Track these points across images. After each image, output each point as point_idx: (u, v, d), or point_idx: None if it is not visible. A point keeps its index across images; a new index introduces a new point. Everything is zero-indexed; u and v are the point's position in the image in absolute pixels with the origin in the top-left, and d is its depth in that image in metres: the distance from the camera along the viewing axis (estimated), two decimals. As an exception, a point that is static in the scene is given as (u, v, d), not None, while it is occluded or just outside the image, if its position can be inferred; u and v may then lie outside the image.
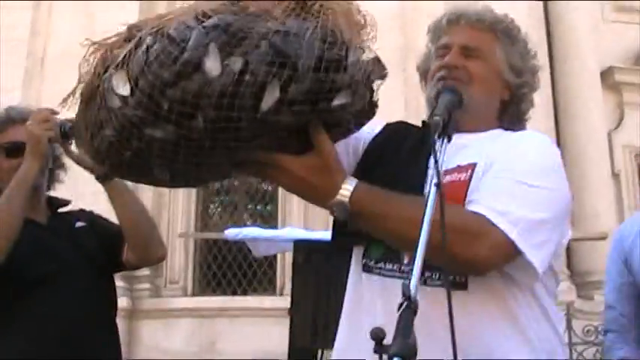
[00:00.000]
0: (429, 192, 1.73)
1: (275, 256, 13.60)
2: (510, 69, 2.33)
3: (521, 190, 1.96)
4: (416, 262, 1.62)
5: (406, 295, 1.55)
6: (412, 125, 2.40)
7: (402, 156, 2.22)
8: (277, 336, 12.92)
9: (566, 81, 14.67)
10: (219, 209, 15.14)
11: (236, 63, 1.68)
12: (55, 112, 2.94)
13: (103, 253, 3.18)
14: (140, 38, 1.75)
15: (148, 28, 1.77)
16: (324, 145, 1.87)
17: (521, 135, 2.23)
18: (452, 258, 1.73)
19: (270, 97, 1.69)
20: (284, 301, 13.29)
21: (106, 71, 1.78)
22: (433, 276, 2.00)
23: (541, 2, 15.21)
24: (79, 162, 3.00)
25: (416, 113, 13.79)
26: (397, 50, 14.10)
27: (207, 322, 13.46)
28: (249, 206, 14.96)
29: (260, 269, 14.06)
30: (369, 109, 2.00)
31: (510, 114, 2.37)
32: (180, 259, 13.77)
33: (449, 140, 1.91)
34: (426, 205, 1.71)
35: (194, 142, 1.71)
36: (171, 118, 1.67)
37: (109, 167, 1.89)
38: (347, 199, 1.87)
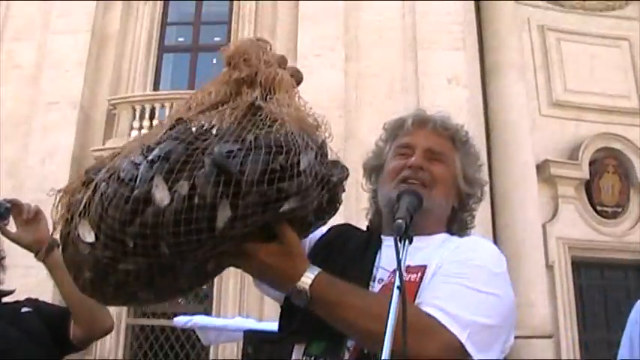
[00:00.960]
0: (392, 294, 1.77)
1: (209, 345, 13.42)
2: (464, 178, 2.41)
3: (471, 295, 1.99)
4: (387, 339, 1.67)
5: None
6: (356, 228, 2.44)
7: (347, 256, 2.24)
8: None
9: (503, 173, 14.96)
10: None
11: (183, 187, 1.74)
12: None
13: (49, 336, 3.12)
14: (96, 185, 1.85)
15: (103, 171, 1.88)
16: (286, 233, 1.91)
17: (469, 240, 2.27)
18: (404, 354, 1.73)
19: (222, 216, 1.74)
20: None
21: (72, 218, 1.88)
22: None
23: (480, 96, 15.57)
24: (16, 240, 3.03)
25: (356, 199, 13.90)
26: (338, 137, 14.26)
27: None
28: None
29: (193, 353, 13.82)
30: (329, 206, 2.05)
31: (459, 222, 2.43)
32: (110, 346, 13.46)
33: (410, 242, 1.94)
34: (389, 306, 1.74)
35: (165, 265, 1.81)
36: (138, 251, 1.75)
37: (98, 299, 2.00)
38: (307, 286, 1.90)
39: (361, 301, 1.93)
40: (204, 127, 1.88)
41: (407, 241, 1.94)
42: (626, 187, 16.24)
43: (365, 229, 2.48)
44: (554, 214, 15.65)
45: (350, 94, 14.71)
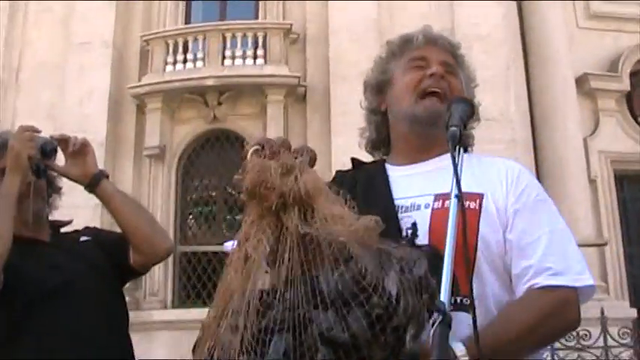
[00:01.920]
0: (451, 203, 1.82)
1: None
2: (467, 88, 2.45)
3: (566, 241, 2.17)
4: (445, 278, 1.70)
5: (441, 310, 1.61)
6: (345, 171, 2.46)
7: (361, 200, 2.19)
8: (258, 347, 12.91)
9: (543, 89, 14.77)
10: (197, 221, 15.07)
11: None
12: (37, 131, 2.98)
13: (109, 264, 3.13)
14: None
15: None
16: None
17: (506, 165, 2.31)
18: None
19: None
20: (264, 312, 13.29)
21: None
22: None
23: (515, 11, 15.31)
24: (64, 174, 3.05)
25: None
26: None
27: (187, 335, 13.25)
28: (228, 217, 14.92)
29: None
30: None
31: (464, 136, 2.42)
32: (159, 271, 13.70)
33: (465, 150, 1.98)
34: (449, 217, 1.81)
35: None
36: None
37: None
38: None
39: (518, 331, 2.03)
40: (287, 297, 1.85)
41: (462, 150, 1.94)
42: (669, 96, 15.94)
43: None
44: (596, 128, 15.45)
45: (383, 17, 14.53)
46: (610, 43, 15.90)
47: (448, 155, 2.25)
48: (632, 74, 15.70)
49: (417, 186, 2.22)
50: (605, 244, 13.77)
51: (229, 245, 2.71)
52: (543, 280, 2.06)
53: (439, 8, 14.31)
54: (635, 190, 15.87)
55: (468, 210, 2.08)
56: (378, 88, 2.47)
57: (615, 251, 14.55)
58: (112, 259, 3.13)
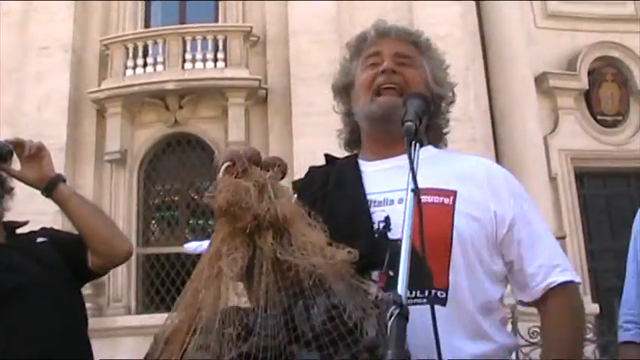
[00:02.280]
0: (406, 198, 1.83)
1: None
2: (434, 80, 2.42)
3: (552, 237, 2.32)
4: (402, 270, 1.71)
5: (397, 304, 1.61)
6: (318, 167, 2.46)
7: (334, 195, 2.26)
8: (224, 352, 12.87)
9: (502, 88, 14.91)
10: (160, 225, 14.99)
11: None
12: None
13: (67, 265, 3.07)
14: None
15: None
16: None
17: (486, 166, 2.36)
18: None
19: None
20: (230, 317, 13.25)
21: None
22: (412, 293, 2.05)
23: (474, 11, 15.43)
24: (20, 178, 3.01)
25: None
26: (334, 62, 14.17)
27: (151, 340, 13.30)
28: (191, 221, 14.86)
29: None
30: None
31: (433, 129, 2.44)
32: (122, 277, 13.60)
33: (421, 145, 1.96)
34: (405, 209, 1.82)
35: None
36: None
37: None
38: None
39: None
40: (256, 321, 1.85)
41: (417, 145, 1.95)
42: (626, 95, 16.21)
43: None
44: (555, 126, 15.64)
45: (343, 17, 14.57)
46: (567, 41, 16.10)
47: (422, 150, 2.29)
48: (590, 72, 15.90)
49: (389, 181, 2.21)
50: (564, 237, 13.91)
51: (190, 247, 2.71)
52: (559, 277, 2.19)
53: (397, 8, 14.36)
54: (595, 186, 16.07)
55: (442, 205, 2.14)
56: (344, 90, 2.48)
57: (577, 248, 14.72)
58: (70, 260, 3.08)
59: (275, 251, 1.89)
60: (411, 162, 1.85)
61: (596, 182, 16.12)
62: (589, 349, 12.32)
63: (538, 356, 11.86)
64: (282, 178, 2.10)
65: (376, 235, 2.13)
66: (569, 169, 15.39)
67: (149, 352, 2.04)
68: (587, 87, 15.87)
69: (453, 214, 2.14)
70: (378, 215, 2.16)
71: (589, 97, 15.98)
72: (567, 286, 2.19)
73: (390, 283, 1.92)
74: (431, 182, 2.15)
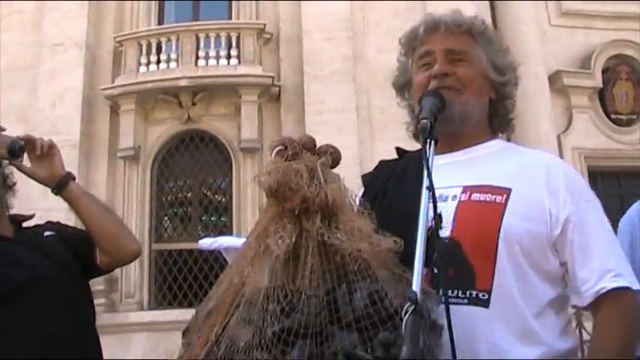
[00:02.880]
0: (422, 195, 1.83)
1: (231, 268, 13.55)
2: (494, 68, 2.35)
3: (610, 240, 2.18)
4: (416, 266, 1.70)
5: (412, 300, 1.60)
6: (388, 161, 2.44)
7: (392, 191, 2.25)
8: (235, 348, 12.89)
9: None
10: (172, 221, 15.03)
11: None
12: (2, 129, 2.94)
13: (75, 260, 3.07)
14: None
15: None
16: None
17: (547, 161, 2.27)
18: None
19: None
20: (241, 313, 13.28)
21: None
22: (453, 292, 2.05)
23: (488, 9, 15.39)
24: (32, 175, 3.01)
25: (368, 120, 13.99)
26: (347, 60, 14.19)
27: (164, 336, 13.32)
28: (204, 217, 14.89)
29: (216, 281, 13.97)
30: None
31: (499, 115, 2.40)
32: (135, 273, 13.64)
33: (436, 143, 1.94)
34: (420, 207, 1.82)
35: None
36: None
37: None
38: None
39: None
40: (301, 299, 1.86)
41: (432, 142, 1.94)
42: (640, 93, 16.10)
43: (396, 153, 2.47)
44: (569, 125, 15.59)
45: (356, 15, 14.57)
46: (581, 40, 16.05)
47: (482, 145, 2.27)
48: (604, 71, 15.83)
49: (447, 177, 2.17)
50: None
51: (205, 243, 2.72)
52: (610, 284, 2.07)
53: (411, 8, 14.34)
54: (608, 185, 15.99)
55: (493, 204, 2.11)
56: (404, 87, 2.46)
57: (590, 246, 14.65)
58: (78, 255, 3.07)
59: (322, 234, 1.91)
60: (426, 160, 1.84)
61: (610, 181, 16.05)
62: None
63: None
64: (335, 166, 2.09)
65: (429, 233, 2.07)
66: (583, 168, 15.29)
67: (189, 325, 2.07)
68: (601, 85, 15.80)
69: (504, 213, 2.10)
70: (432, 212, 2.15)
71: (603, 96, 15.92)
72: (621, 292, 2.07)
73: (435, 281, 1.92)
74: (487, 179, 2.14)
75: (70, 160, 14.24)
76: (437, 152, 2.28)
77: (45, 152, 3.00)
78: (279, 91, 14.68)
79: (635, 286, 2.09)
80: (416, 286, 1.67)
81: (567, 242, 2.12)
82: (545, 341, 2.09)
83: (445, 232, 2.06)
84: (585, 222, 2.14)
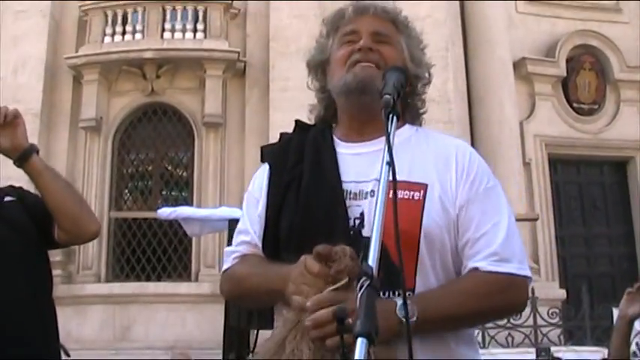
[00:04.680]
0: (381, 170, 1.84)
1: (190, 242, 13.52)
2: (411, 58, 2.38)
3: (508, 229, 2.17)
4: (373, 241, 1.73)
5: (368, 275, 1.62)
6: (289, 135, 2.44)
7: (310, 181, 2.23)
8: (192, 322, 12.89)
9: (481, 71, 14.94)
10: (133, 194, 14.94)
11: None
12: None
13: (34, 227, 3.03)
14: None
15: None
16: None
17: (456, 148, 2.29)
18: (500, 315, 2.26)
19: None
20: (199, 287, 13.27)
21: None
22: (384, 294, 2.05)
23: (457, -6, 15.42)
24: None
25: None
26: (314, 38, 14.14)
27: (121, 309, 13.31)
28: (164, 191, 14.83)
29: (175, 255, 13.96)
30: None
31: (411, 108, 2.41)
32: (93, 245, 13.52)
33: (397, 119, 1.94)
34: (379, 183, 1.84)
35: None
36: None
37: None
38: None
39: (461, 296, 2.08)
40: None
41: (394, 117, 1.93)
42: (603, 84, 16.30)
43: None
44: (531, 112, 15.71)
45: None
46: (548, 28, 16.16)
47: (398, 133, 2.24)
48: (569, 60, 15.97)
49: (363, 169, 2.19)
50: (536, 219, 14.07)
51: (163, 212, 2.71)
52: (488, 266, 2.10)
53: (380, -12, 14.34)
54: (568, 173, 16.20)
55: (412, 201, 2.11)
56: (319, 67, 2.45)
57: (547, 233, 14.84)
58: (37, 225, 3.04)
59: None
60: (388, 135, 1.84)
61: (569, 169, 16.25)
62: (554, 334, 12.49)
63: (556, 337, 12.23)
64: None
65: (351, 233, 2.11)
66: (544, 155, 15.48)
67: None
68: (565, 74, 15.94)
69: (422, 211, 2.12)
70: (353, 210, 2.14)
71: (566, 85, 16.05)
72: (497, 275, 2.10)
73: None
74: (403, 174, 2.11)
75: (31, 129, 13.73)
76: (348, 139, 2.31)
77: (9, 121, 2.94)
78: (245, 66, 14.61)
79: (521, 272, 2.12)
80: (372, 260, 1.69)
81: (464, 224, 2.15)
82: (457, 351, 2.16)
83: (368, 232, 2.02)
84: (485, 206, 2.18)
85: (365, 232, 2.09)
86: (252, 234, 2.31)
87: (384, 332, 1.83)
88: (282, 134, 2.47)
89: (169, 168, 14.87)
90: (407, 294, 1.98)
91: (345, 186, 2.18)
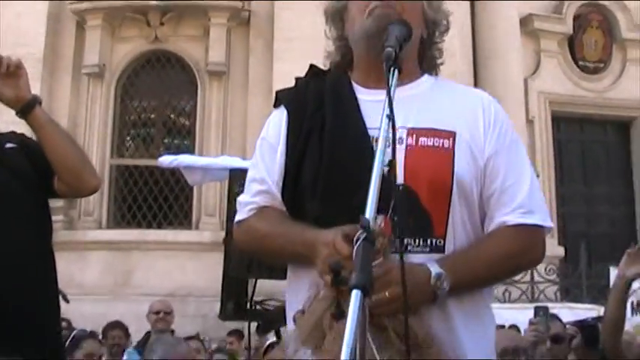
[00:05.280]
0: (381, 121, 1.86)
1: (191, 190, 13.53)
2: (429, 5, 2.36)
3: (532, 181, 2.21)
4: (371, 193, 1.75)
5: (364, 227, 1.64)
6: (305, 80, 2.40)
7: (334, 129, 2.21)
8: (192, 270, 12.96)
9: (487, 27, 14.82)
10: (135, 141, 14.93)
11: None
12: None
13: (35, 174, 3.03)
14: None
15: None
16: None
17: (482, 100, 2.31)
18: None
19: None
20: (199, 236, 13.34)
21: None
22: (415, 241, 2.08)
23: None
24: None
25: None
26: None
27: (121, 256, 13.38)
28: (166, 140, 14.81)
29: (176, 203, 13.99)
30: None
31: (428, 56, 2.40)
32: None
33: (399, 72, 1.94)
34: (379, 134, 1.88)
35: None
36: None
37: None
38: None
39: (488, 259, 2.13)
40: None
41: (396, 70, 1.93)
42: (609, 42, 16.18)
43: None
44: (537, 69, 15.61)
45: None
46: (556, -17, 15.99)
47: (417, 84, 2.28)
48: (576, 18, 15.83)
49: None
50: (538, 176, 14.06)
51: (164, 160, 2.70)
52: (516, 218, 2.14)
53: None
54: (570, 132, 16.17)
55: (442, 149, 2.12)
56: (337, 15, 2.42)
57: (548, 190, 14.82)
58: (39, 173, 3.03)
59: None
60: (389, 88, 1.85)
61: (572, 127, 16.22)
62: (551, 290, 12.58)
63: (553, 293, 12.30)
64: None
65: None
66: (547, 113, 15.42)
67: None
68: (571, 32, 15.81)
69: (454, 159, 2.13)
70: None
71: (572, 42, 15.94)
72: (526, 228, 2.15)
73: (395, 229, 1.95)
74: (430, 121, 2.14)
75: (33, 75, 13.82)
76: (368, 85, 2.29)
77: (12, 71, 2.91)
78: (249, 15, 14.47)
79: (546, 223, 2.18)
80: (369, 213, 1.70)
81: (491, 174, 2.18)
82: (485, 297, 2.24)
83: (398, 179, 2.04)
84: (511, 158, 2.21)
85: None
86: (269, 183, 2.26)
87: (417, 303, 1.95)
88: (297, 79, 2.43)
89: (172, 116, 14.82)
90: (433, 241, 2.09)
91: (370, 132, 2.15)
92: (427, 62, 2.40)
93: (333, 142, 2.17)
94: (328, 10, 2.45)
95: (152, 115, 14.85)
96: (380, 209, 1.85)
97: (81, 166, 3.06)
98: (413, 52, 2.31)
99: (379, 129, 1.95)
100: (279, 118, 2.33)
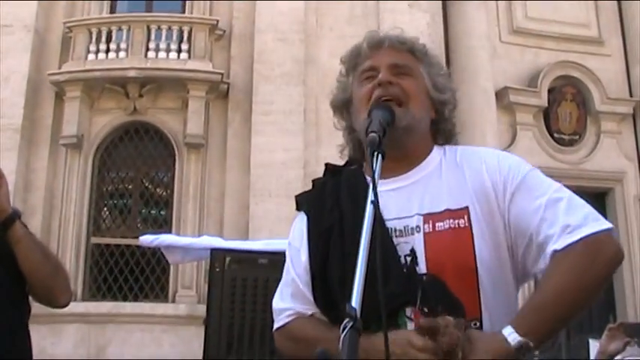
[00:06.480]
0: (367, 211, 1.85)
1: (168, 264, 13.45)
2: (434, 87, 2.35)
3: (566, 197, 2.11)
4: (356, 282, 1.73)
5: (351, 317, 1.62)
6: (322, 180, 2.40)
7: (352, 224, 2.15)
8: (168, 344, 12.81)
9: (464, 99, 14.95)
10: (112, 213, 14.86)
11: None
12: None
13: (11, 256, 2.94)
14: None
15: None
16: None
17: (478, 160, 2.24)
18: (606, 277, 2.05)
19: None
20: (176, 309, 13.21)
21: None
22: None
23: (441, 20, 15.53)
24: None
25: (315, 124, 14.00)
26: (298, 62, 14.18)
27: (96, 328, 13.20)
28: (143, 211, 14.76)
29: (152, 275, 13.88)
30: None
31: (442, 133, 2.38)
32: (70, 264, 13.44)
33: (383, 157, 1.95)
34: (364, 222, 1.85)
35: None
36: None
37: None
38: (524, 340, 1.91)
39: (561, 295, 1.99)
40: None
41: (380, 156, 1.94)
42: (584, 115, 16.44)
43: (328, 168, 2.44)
44: (513, 141, 15.80)
45: (310, 19, 14.58)
46: (530, 58, 16.30)
47: (426, 164, 2.25)
48: (550, 91, 16.11)
49: (403, 203, 2.17)
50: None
51: (146, 239, 2.67)
52: (565, 241, 2.01)
53: (365, 14, 14.44)
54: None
55: (459, 229, 2.09)
56: (344, 107, 2.41)
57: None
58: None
59: None
60: (373, 173, 1.86)
61: (548, 199, 16.28)
62: None
63: None
64: None
65: (405, 270, 2.07)
66: (524, 185, 15.50)
67: None
68: (546, 104, 16.07)
69: (472, 237, 2.09)
70: (402, 248, 2.11)
71: (548, 115, 16.18)
72: (576, 244, 2.01)
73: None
74: (442, 202, 2.12)
75: (11, 145, 14.05)
76: (381, 177, 2.21)
77: None
78: (228, 88, 14.62)
79: (599, 228, 2.04)
80: (355, 302, 1.68)
81: (519, 224, 2.10)
82: None
83: (421, 269, 2.04)
84: (531, 192, 2.13)
85: (419, 269, 2.06)
86: (299, 285, 2.27)
87: None
88: (314, 180, 2.44)
89: (150, 187, 14.82)
90: (469, 324, 2.00)
91: (388, 224, 2.13)
92: (443, 136, 2.37)
93: (352, 241, 2.06)
94: (333, 102, 2.45)
95: (130, 187, 14.83)
96: (409, 301, 1.89)
97: (52, 282, 2.99)
98: (425, 131, 2.31)
99: (398, 218, 1.99)
100: (300, 221, 2.35)
